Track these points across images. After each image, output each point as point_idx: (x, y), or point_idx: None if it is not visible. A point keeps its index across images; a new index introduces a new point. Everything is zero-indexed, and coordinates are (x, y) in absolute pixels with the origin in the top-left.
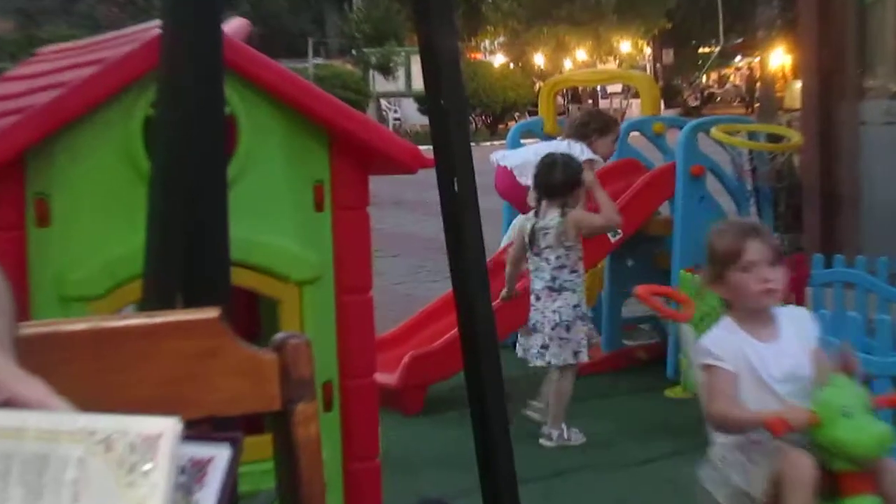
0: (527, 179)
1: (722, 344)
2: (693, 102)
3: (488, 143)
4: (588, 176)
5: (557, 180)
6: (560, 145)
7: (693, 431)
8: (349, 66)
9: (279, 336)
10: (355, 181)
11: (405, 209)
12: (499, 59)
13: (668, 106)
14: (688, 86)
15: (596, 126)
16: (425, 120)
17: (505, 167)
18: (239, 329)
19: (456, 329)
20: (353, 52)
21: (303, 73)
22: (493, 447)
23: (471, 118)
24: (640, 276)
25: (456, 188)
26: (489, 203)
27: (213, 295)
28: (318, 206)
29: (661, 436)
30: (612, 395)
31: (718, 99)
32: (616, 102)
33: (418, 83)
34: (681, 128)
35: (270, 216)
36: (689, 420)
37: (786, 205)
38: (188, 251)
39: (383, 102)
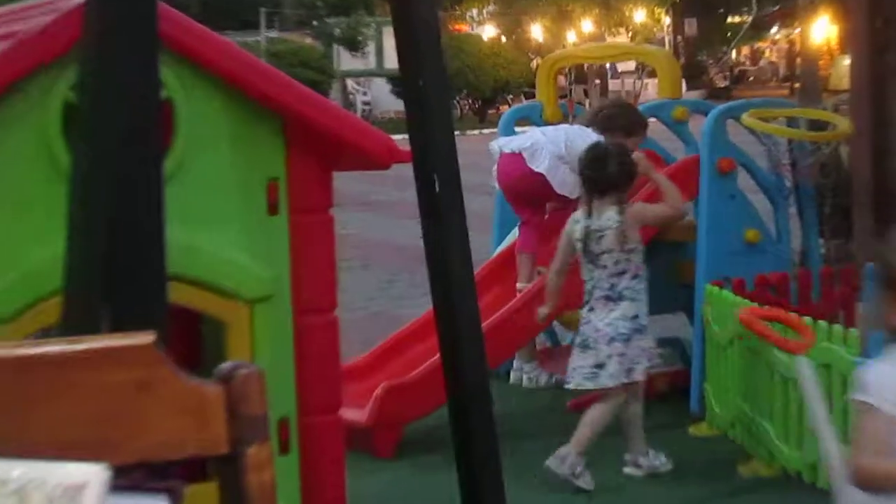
0: (540, 165)
1: (888, 382)
2: (721, 83)
3: (476, 132)
4: (642, 160)
5: (612, 173)
6: (577, 132)
7: (723, 476)
8: (309, 41)
9: (226, 365)
10: (316, 178)
11: (376, 212)
12: (488, 32)
13: (690, 87)
14: (714, 63)
15: (624, 123)
16: (400, 104)
17: (511, 153)
18: (178, 357)
19: (437, 356)
20: (314, 23)
21: (254, 48)
22: (483, 497)
23: (455, 102)
24: (657, 292)
25: (437, 186)
26: (477, 204)
27: (147, 316)
28: (272, 209)
29: (685, 481)
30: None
31: (751, 78)
32: (628, 83)
33: (392, 60)
34: (706, 113)
35: (215, 221)
36: (717, 463)
37: (832, 205)
38: (116, 262)
39: (350, 83)
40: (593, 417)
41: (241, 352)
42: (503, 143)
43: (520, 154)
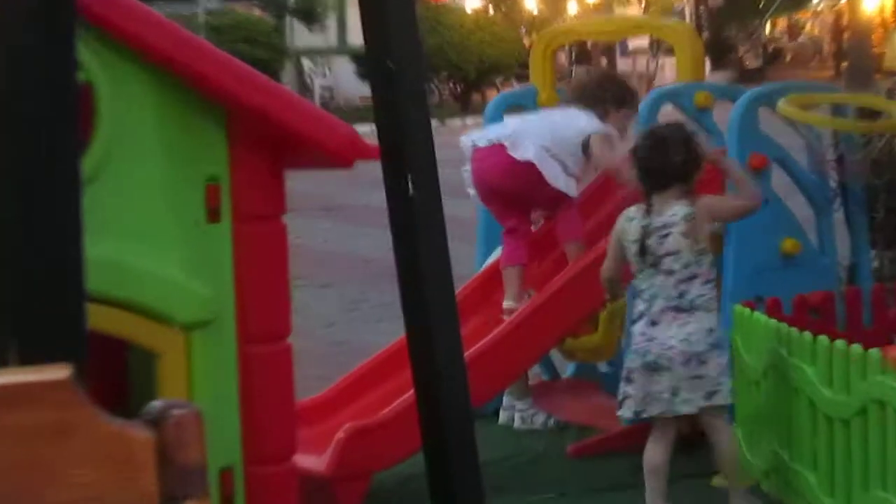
0: (526, 153)
1: None
2: (752, 63)
3: (458, 122)
4: (705, 144)
5: (676, 162)
6: (563, 114)
7: None
8: (257, 13)
9: (157, 405)
10: (265, 179)
11: (338, 219)
12: (472, 2)
13: (715, 68)
14: (745, 39)
15: (613, 94)
16: (367, 89)
17: (489, 146)
18: (99, 395)
19: (411, 392)
20: None
21: (191, 22)
22: None
23: (432, 86)
24: None
25: (410, 189)
26: (459, 209)
27: (62, 345)
28: (213, 216)
29: None
30: (638, 486)
31: (789, 58)
32: (641, 63)
33: (357, 36)
34: (734, 100)
35: (143, 231)
36: None
37: (886, 209)
38: (25, 281)
39: (306, 64)
40: (731, 453)
41: (176, 388)
42: (476, 137)
43: (499, 145)
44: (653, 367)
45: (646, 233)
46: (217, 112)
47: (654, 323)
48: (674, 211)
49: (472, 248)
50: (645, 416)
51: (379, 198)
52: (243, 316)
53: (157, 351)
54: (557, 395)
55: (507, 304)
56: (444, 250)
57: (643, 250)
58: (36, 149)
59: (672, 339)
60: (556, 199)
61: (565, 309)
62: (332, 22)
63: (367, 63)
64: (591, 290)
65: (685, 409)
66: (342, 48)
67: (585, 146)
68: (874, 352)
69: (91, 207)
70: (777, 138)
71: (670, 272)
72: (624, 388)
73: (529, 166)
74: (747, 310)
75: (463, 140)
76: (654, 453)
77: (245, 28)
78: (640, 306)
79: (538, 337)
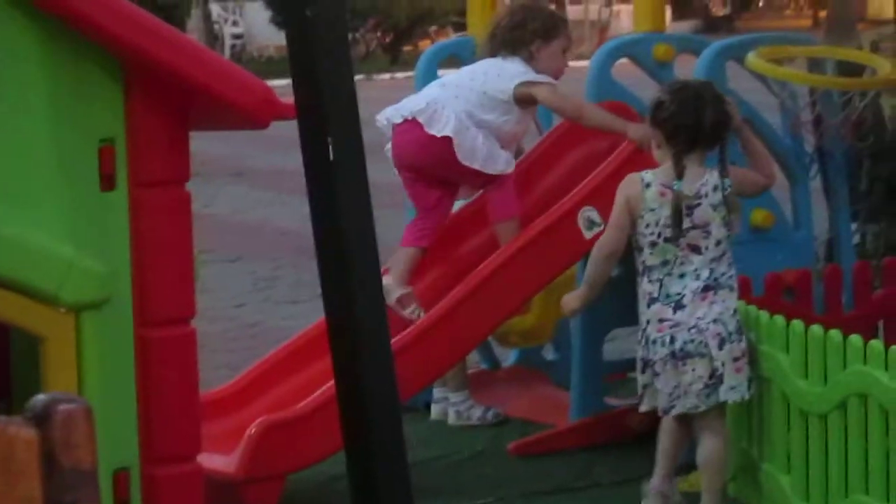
0: (444, 128)
1: None
2: (719, 10)
3: (387, 76)
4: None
5: (709, 121)
6: (486, 68)
7: None
8: None
9: (42, 400)
10: (167, 140)
11: (250, 184)
12: None
13: (677, 17)
14: None
15: (535, 26)
16: (282, 38)
17: (404, 121)
18: None
19: (332, 382)
20: None
21: None
22: None
23: (357, 36)
24: (630, 295)
25: (331, 151)
26: (386, 175)
27: None
28: (107, 182)
29: None
30: (587, 489)
31: (761, 4)
32: (593, 11)
33: None
34: (698, 52)
35: (25, 199)
36: None
37: (870, 178)
38: None
39: (215, 9)
40: (710, 461)
41: (64, 378)
42: (391, 114)
43: (414, 120)
44: (683, 356)
45: (678, 201)
46: (112, 65)
47: (679, 306)
48: (704, 179)
49: (401, 218)
50: (675, 412)
51: (296, 161)
52: (141, 295)
53: (42, 335)
54: (498, 387)
55: (386, 280)
56: (368, 220)
57: (677, 221)
58: None
59: (703, 321)
60: (483, 177)
61: (504, 291)
62: None
63: (281, 10)
64: (537, 268)
65: (734, 397)
66: None
67: (522, 100)
68: (855, 338)
69: None
70: (746, 96)
71: (697, 248)
72: (646, 380)
73: (445, 142)
74: None
75: (379, 118)
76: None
77: None
78: (651, 287)
79: (473, 323)
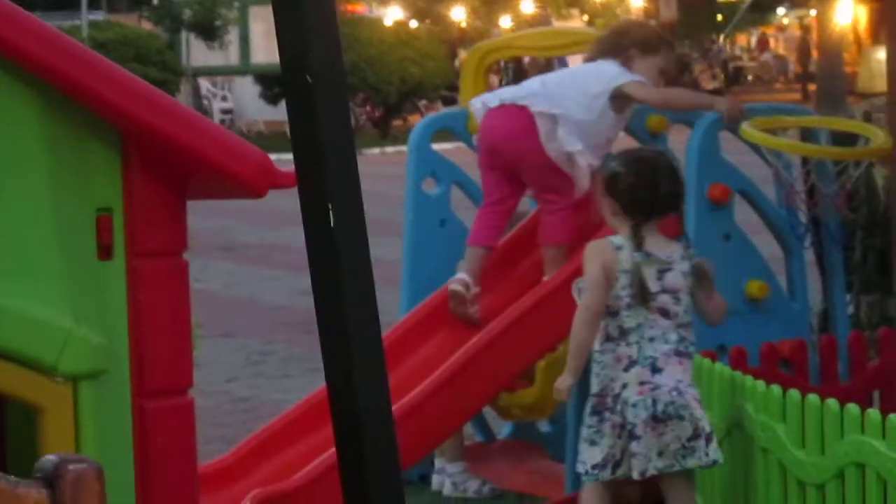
0: (548, 110)
1: None
2: (710, 83)
3: (376, 151)
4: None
5: (665, 192)
6: (584, 68)
7: None
8: (147, 26)
9: (52, 460)
10: (165, 210)
11: (241, 260)
12: (393, 14)
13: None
14: (701, 57)
15: (636, 39)
16: (271, 113)
17: (504, 105)
18: None
19: (330, 452)
20: (154, 1)
21: (72, 35)
22: None
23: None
24: None
25: (332, 220)
26: (380, 249)
27: None
28: (104, 252)
29: None
30: None
31: (751, 77)
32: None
33: (261, 54)
34: (692, 124)
35: (23, 269)
36: None
37: (864, 247)
38: None
39: (205, 85)
40: None
41: (62, 448)
42: (487, 99)
43: (512, 105)
44: (664, 418)
45: (639, 267)
46: (110, 134)
47: (657, 369)
48: (673, 248)
49: (395, 294)
50: (648, 474)
51: (286, 235)
52: (139, 365)
53: (40, 405)
54: (493, 459)
55: (458, 276)
56: (369, 289)
57: (642, 285)
58: None
59: (682, 384)
60: (554, 184)
61: (498, 363)
62: (233, 38)
63: (275, 84)
64: (531, 341)
65: (716, 458)
66: (245, 67)
67: (617, 100)
68: (852, 408)
69: None
70: (741, 167)
71: (666, 313)
72: (621, 445)
73: (537, 131)
74: (708, 360)
75: (474, 102)
76: None
77: (134, 44)
78: (629, 350)
79: (468, 394)
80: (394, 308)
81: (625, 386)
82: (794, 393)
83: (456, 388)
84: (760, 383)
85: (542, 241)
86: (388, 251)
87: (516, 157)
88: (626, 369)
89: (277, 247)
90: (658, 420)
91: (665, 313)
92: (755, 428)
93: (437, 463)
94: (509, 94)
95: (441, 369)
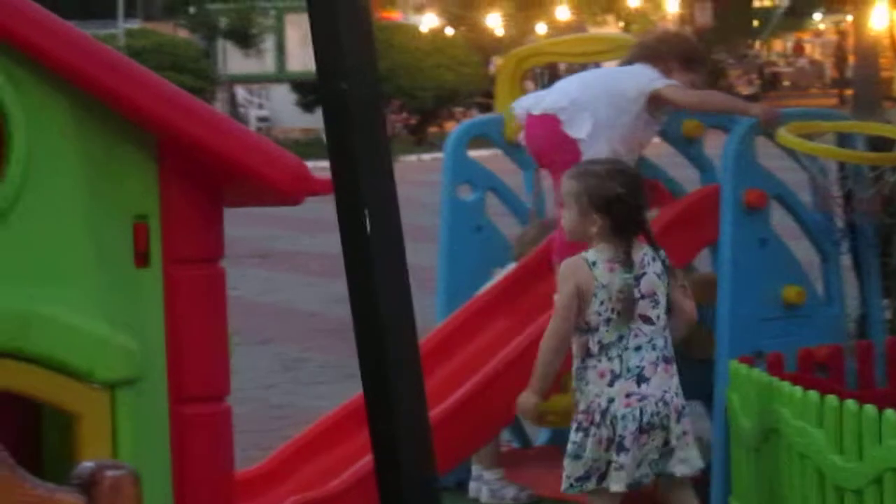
0: (579, 131)
1: None
2: (746, 89)
3: (412, 158)
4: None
5: (643, 201)
6: (621, 71)
7: None
8: (183, 34)
9: (89, 466)
10: (202, 218)
11: (276, 267)
12: (429, 21)
13: None
14: (737, 62)
15: (677, 51)
16: (307, 121)
17: (543, 115)
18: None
19: (367, 459)
20: (190, 9)
21: (109, 43)
22: None
23: None
24: None
25: (368, 227)
26: (415, 255)
27: None
28: (141, 259)
29: None
30: None
31: (787, 83)
32: None
33: (297, 61)
34: (728, 129)
35: (60, 276)
36: None
37: None
38: None
39: (241, 93)
40: None
41: (99, 455)
42: (529, 104)
43: (553, 116)
44: (648, 428)
45: (629, 287)
46: (147, 141)
47: (642, 379)
48: (643, 251)
49: (430, 298)
50: (634, 486)
51: (322, 242)
52: (176, 373)
53: (77, 412)
54: (530, 466)
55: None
56: (406, 295)
57: (630, 301)
58: None
59: (668, 394)
60: None
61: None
62: (269, 46)
63: (312, 90)
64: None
65: (684, 471)
66: (280, 75)
67: (653, 103)
68: (890, 413)
69: (1, 249)
70: (777, 172)
71: (648, 319)
72: (607, 458)
73: (578, 144)
74: (745, 366)
75: (515, 106)
76: None
77: (170, 52)
78: (611, 364)
79: (516, 390)
80: (430, 314)
81: (611, 400)
82: (831, 398)
83: (493, 394)
84: (797, 389)
85: None
86: (423, 257)
87: (557, 167)
88: (610, 384)
89: (313, 254)
90: (643, 431)
91: (647, 319)
92: (792, 434)
93: (475, 470)
94: (551, 102)
95: (478, 375)
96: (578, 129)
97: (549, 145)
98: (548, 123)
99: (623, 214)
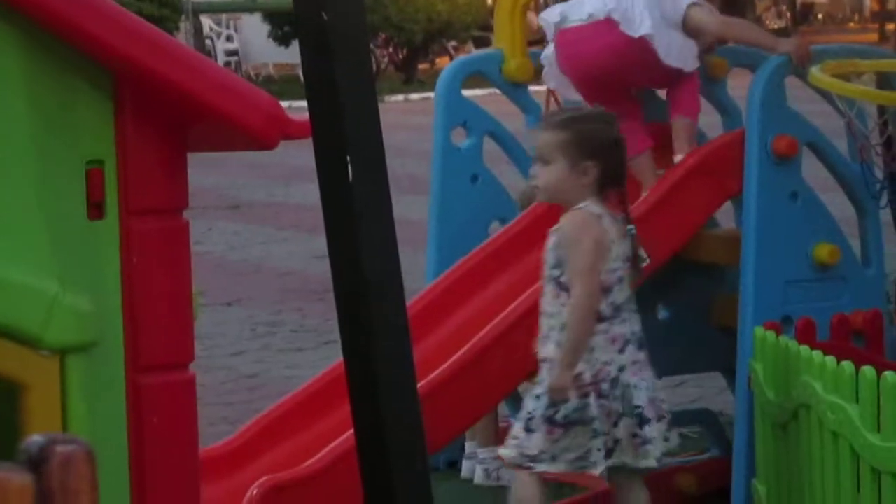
0: (641, 27)
1: None
2: (775, 22)
3: (399, 98)
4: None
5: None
6: None
7: None
8: None
9: (36, 442)
10: (163, 163)
11: (246, 219)
12: None
13: None
14: None
15: None
16: (282, 56)
17: (584, 24)
18: None
19: (345, 436)
20: None
21: None
22: None
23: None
24: (681, 340)
25: (350, 175)
26: (403, 207)
27: None
28: (95, 210)
29: None
30: None
31: (822, 16)
32: None
33: None
34: (754, 68)
35: (1, 228)
36: None
37: None
38: None
39: (207, 23)
40: None
41: (47, 429)
42: (566, 12)
43: (604, 21)
44: (632, 416)
45: (634, 235)
46: (102, 77)
47: (642, 345)
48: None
49: (422, 255)
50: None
51: (298, 192)
52: (134, 337)
53: (23, 382)
54: None
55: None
56: (392, 250)
57: (636, 257)
58: None
59: (653, 391)
60: (670, 76)
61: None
62: None
63: (285, 22)
64: None
65: (647, 463)
66: (252, 4)
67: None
68: None
69: None
70: (809, 117)
71: (631, 298)
72: (638, 433)
73: (642, 44)
74: (772, 333)
75: (544, 16)
76: None
77: None
78: (623, 329)
79: (514, 359)
80: (420, 273)
81: (622, 368)
82: (868, 370)
83: (490, 362)
84: (830, 359)
85: (673, 113)
86: (413, 210)
87: (625, 76)
88: (621, 350)
89: (288, 205)
90: (625, 416)
91: (631, 299)
92: (824, 409)
93: (468, 447)
94: (596, 6)
95: (472, 342)
96: (638, 27)
97: (607, 54)
98: (601, 33)
99: (621, 162)
